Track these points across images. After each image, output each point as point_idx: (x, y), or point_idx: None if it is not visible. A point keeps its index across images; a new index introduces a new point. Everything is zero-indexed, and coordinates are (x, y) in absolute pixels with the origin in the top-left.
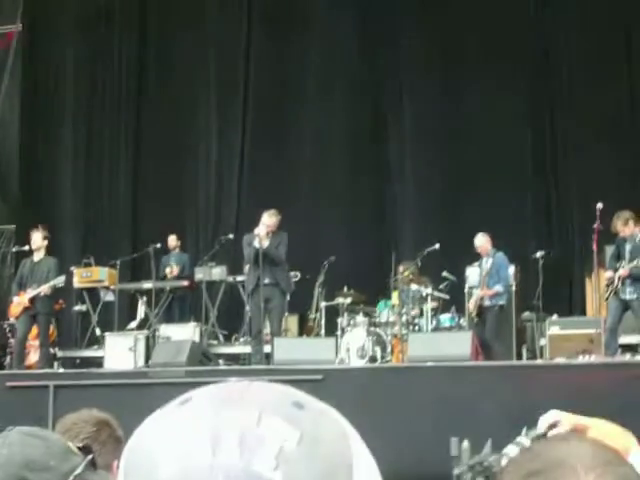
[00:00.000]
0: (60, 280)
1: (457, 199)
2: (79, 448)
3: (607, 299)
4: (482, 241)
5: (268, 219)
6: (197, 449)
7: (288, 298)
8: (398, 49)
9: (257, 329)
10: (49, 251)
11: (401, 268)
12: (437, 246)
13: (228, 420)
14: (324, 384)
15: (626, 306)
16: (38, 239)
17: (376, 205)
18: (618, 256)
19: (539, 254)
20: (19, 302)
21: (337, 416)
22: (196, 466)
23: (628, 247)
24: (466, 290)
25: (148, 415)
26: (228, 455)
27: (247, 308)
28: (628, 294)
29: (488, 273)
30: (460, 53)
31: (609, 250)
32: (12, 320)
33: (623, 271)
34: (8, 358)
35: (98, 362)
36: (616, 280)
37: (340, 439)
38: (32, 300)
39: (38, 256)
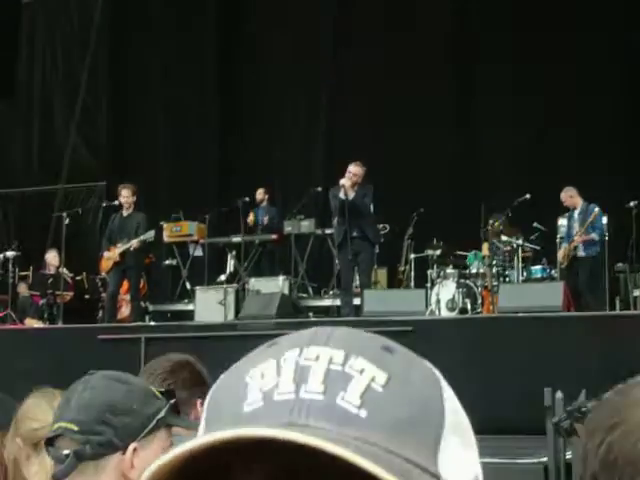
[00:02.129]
0: (150, 235)
1: (549, 149)
2: (162, 392)
3: None
4: (568, 194)
5: (353, 169)
6: (282, 384)
7: (377, 250)
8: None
9: (346, 281)
10: (138, 206)
11: (491, 219)
12: (528, 196)
13: (314, 358)
14: (414, 335)
15: None
16: (127, 195)
17: (466, 156)
18: None
19: (633, 204)
20: (109, 257)
21: (428, 364)
22: (280, 400)
23: None
24: (557, 240)
25: None
26: (312, 390)
27: (336, 261)
28: None
29: (582, 223)
30: None
31: None
32: (103, 274)
33: None
34: (100, 312)
35: (189, 315)
36: None
37: (431, 385)
38: (122, 254)
39: (127, 211)
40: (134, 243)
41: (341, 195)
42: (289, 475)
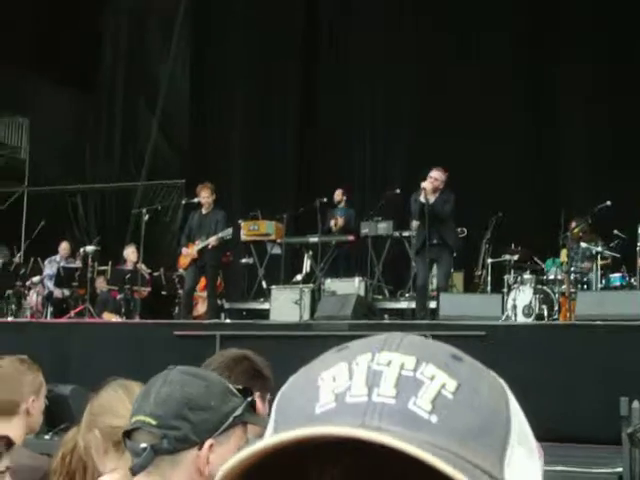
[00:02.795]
0: (228, 232)
1: (630, 155)
2: (239, 390)
3: None
4: None
5: (435, 174)
6: (354, 387)
7: (454, 255)
8: None
9: (422, 285)
10: (217, 205)
11: (572, 224)
12: (609, 203)
13: (386, 363)
14: (488, 340)
15: None
16: (206, 195)
17: (547, 161)
18: None
19: None
20: (187, 253)
21: (494, 374)
22: (353, 403)
23: None
24: (638, 248)
25: None
26: (385, 394)
27: (413, 264)
28: None
29: None
30: None
31: None
32: (181, 271)
33: None
34: (177, 308)
35: (264, 314)
36: None
37: (499, 395)
38: (200, 252)
39: (207, 209)
40: (212, 240)
41: (421, 199)
42: (362, 477)
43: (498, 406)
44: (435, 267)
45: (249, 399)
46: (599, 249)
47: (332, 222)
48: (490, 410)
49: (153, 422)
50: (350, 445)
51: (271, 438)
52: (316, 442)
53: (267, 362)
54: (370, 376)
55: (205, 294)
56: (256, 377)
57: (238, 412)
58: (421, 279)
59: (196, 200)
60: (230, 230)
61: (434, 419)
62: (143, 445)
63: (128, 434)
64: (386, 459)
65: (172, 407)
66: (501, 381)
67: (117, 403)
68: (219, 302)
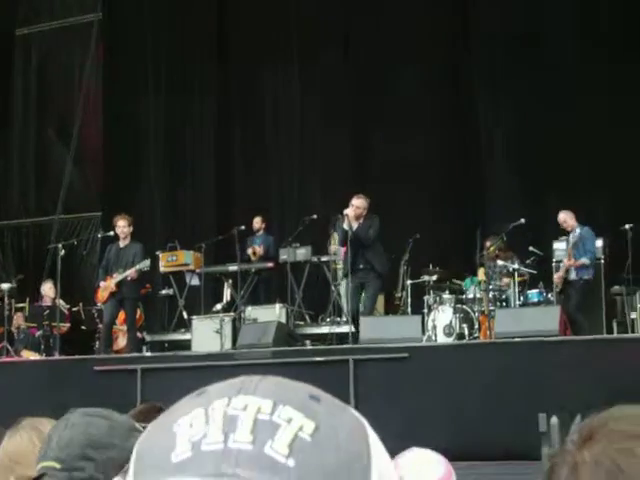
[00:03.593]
0: (146, 264)
1: (542, 173)
2: (144, 427)
3: None
4: (565, 217)
5: (356, 201)
6: (210, 434)
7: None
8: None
9: (352, 310)
10: (134, 236)
11: (487, 243)
12: (522, 221)
13: (241, 407)
14: (410, 362)
15: None
16: (123, 225)
17: (460, 182)
18: None
19: (628, 226)
20: (106, 287)
21: (355, 413)
22: (209, 450)
23: None
24: (553, 264)
25: None
26: (241, 439)
27: (332, 288)
28: None
29: (574, 246)
30: None
31: None
32: (100, 305)
33: None
34: (97, 343)
35: (186, 345)
36: None
37: (358, 435)
38: (119, 285)
39: (124, 242)
40: (131, 272)
41: (344, 226)
42: None
43: (358, 446)
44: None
45: None
46: (516, 266)
47: (250, 251)
48: (349, 451)
49: (57, 466)
50: None
51: None
52: None
53: None
54: (226, 422)
55: (125, 327)
56: None
57: None
58: (351, 305)
59: (112, 233)
60: (148, 262)
61: (291, 463)
62: None
63: None
64: None
65: (75, 449)
66: (361, 419)
67: (31, 450)
68: (140, 335)
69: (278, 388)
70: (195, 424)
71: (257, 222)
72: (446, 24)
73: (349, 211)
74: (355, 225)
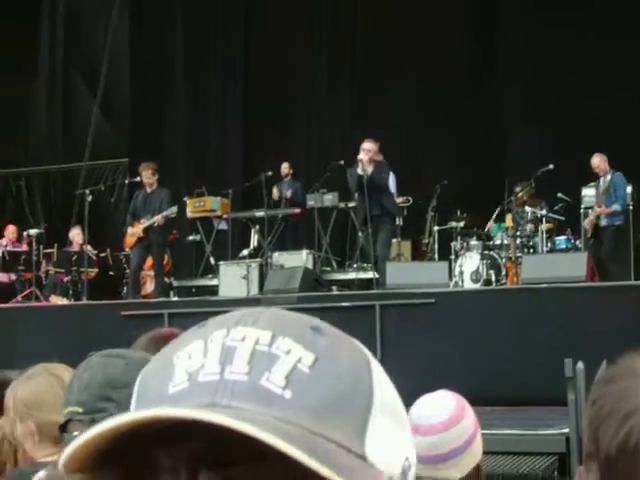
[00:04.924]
0: (173, 210)
1: (571, 117)
2: None
3: None
4: (598, 160)
5: (367, 145)
6: (207, 365)
7: (399, 222)
8: None
9: (374, 256)
10: (160, 182)
11: (516, 189)
12: (551, 166)
13: (240, 338)
14: (437, 307)
15: None
16: (148, 176)
17: (489, 126)
18: None
19: None
20: (133, 232)
21: (359, 345)
22: (205, 381)
23: None
24: (582, 211)
25: None
26: (237, 371)
27: (359, 234)
28: None
29: (605, 192)
30: None
31: None
32: (127, 251)
33: None
34: (125, 288)
35: (213, 290)
36: None
37: (360, 365)
38: (146, 230)
39: (151, 188)
40: (158, 219)
41: (359, 171)
42: (216, 457)
43: (359, 376)
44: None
45: None
46: (544, 212)
47: (275, 192)
48: (350, 381)
49: (80, 410)
50: (203, 425)
51: (113, 419)
52: (168, 423)
53: None
54: (224, 353)
55: (153, 273)
56: None
57: None
58: (371, 251)
59: (139, 179)
60: (175, 208)
61: (288, 394)
62: (75, 434)
63: (63, 428)
64: (242, 437)
65: (95, 391)
66: (365, 351)
67: (51, 395)
68: (167, 280)
69: (278, 319)
70: (194, 355)
71: (285, 167)
72: None
73: (362, 156)
74: (370, 170)
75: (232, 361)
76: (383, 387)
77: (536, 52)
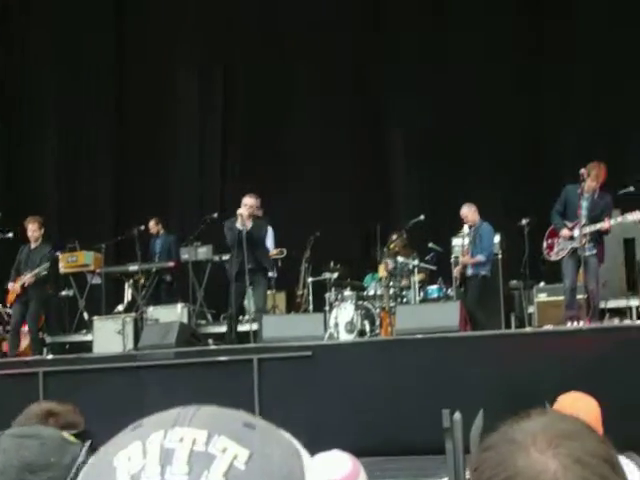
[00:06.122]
0: (44, 267)
1: (442, 169)
2: (75, 435)
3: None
4: (467, 211)
5: (249, 200)
6: (148, 467)
7: (273, 274)
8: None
9: (236, 309)
10: (45, 239)
11: (390, 240)
12: (422, 217)
13: (177, 439)
14: (313, 360)
15: (579, 263)
16: (34, 229)
17: (360, 179)
18: (564, 210)
19: (524, 221)
20: (13, 289)
21: (289, 437)
22: None
23: (586, 204)
24: (452, 260)
25: (138, 398)
26: (177, 472)
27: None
28: (587, 250)
29: (471, 242)
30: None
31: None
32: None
33: (583, 230)
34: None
35: (87, 346)
36: (580, 240)
37: (291, 457)
38: (23, 286)
39: (35, 242)
40: (28, 278)
41: (238, 226)
42: None
43: (291, 469)
44: (251, 291)
45: (88, 442)
46: (415, 263)
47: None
48: (283, 475)
49: None
50: None
51: None
52: None
53: (72, 406)
54: (163, 454)
55: (26, 329)
56: (71, 428)
57: (81, 459)
58: (236, 303)
59: (10, 235)
60: (46, 264)
61: None
62: None
63: None
64: None
65: (12, 476)
66: (295, 442)
67: None
68: (40, 336)
69: (213, 418)
70: (133, 457)
71: (152, 226)
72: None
73: (242, 211)
74: (250, 224)
75: (172, 462)
76: (312, 474)
77: (413, 103)
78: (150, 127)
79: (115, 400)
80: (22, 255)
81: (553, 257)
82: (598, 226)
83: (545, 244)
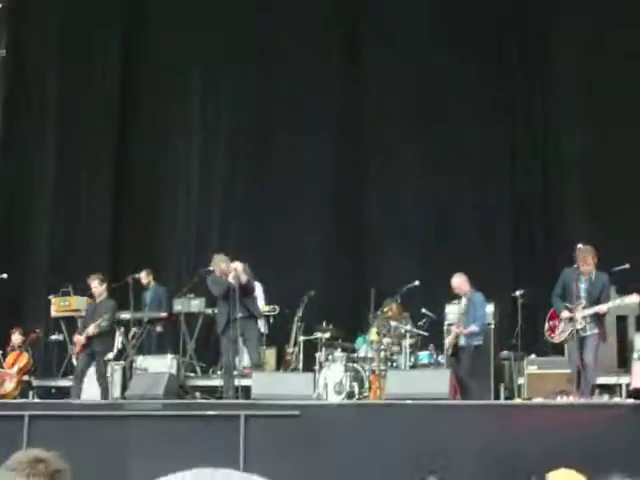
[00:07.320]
0: (105, 319)
1: (438, 235)
2: None
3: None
4: (458, 281)
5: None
6: None
7: (265, 330)
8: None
9: (228, 364)
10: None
11: (383, 303)
12: (417, 283)
13: None
14: (301, 420)
15: (581, 344)
16: (95, 285)
17: (357, 240)
18: (563, 292)
19: (518, 293)
20: (78, 340)
21: None
22: None
23: (584, 286)
24: (445, 327)
25: (123, 447)
26: None
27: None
28: (588, 330)
29: (465, 312)
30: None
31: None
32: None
33: (582, 312)
34: None
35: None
36: (580, 322)
37: None
38: (88, 337)
39: (99, 298)
40: (90, 329)
41: (231, 279)
42: None
43: None
44: (243, 341)
45: None
46: (408, 327)
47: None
48: None
49: None
50: None
51: None
52: None
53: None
54: None
55: (13, 371)
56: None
57: None
58: (227, 357)
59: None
60: (107, 316)
61: None
62: None
63: None
64: None
65: None
66: None
67: None
68: (27, 379)
69: None
70: None
71: (143, 277)
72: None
73: (238, 264)
74: (245, 278)
75: None
76: None
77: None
78: (147, 173)
79: (99, 448)
80: (89, 310)
81: (556, 339)
82: (596, 309)
83: (547, 326)
